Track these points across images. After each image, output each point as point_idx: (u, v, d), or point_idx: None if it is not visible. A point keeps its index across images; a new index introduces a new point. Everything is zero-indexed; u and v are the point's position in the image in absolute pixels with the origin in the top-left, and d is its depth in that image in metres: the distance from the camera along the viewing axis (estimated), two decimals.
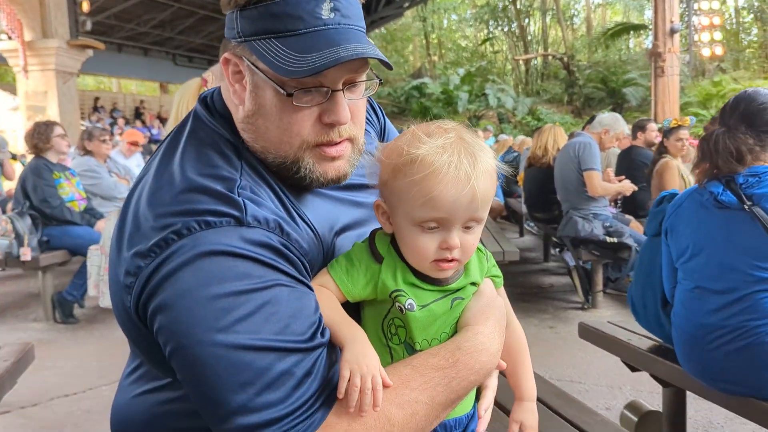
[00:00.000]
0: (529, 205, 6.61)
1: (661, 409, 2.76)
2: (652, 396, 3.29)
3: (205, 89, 2.41)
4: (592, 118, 5.89)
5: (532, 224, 8.61)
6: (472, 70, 28.51)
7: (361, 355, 0.95)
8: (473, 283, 1.12)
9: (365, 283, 1.05)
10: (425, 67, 33.02)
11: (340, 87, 1.02)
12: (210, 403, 0.92)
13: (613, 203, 5.96)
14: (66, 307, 5.13)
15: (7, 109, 12.94)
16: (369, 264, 1.06)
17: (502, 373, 1.23)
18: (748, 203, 2.06)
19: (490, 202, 1.05)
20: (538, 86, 29.61)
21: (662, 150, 5.28)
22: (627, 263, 5.00)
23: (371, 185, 1.12)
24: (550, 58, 30.48)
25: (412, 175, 1.00)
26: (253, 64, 1.02)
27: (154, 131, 19.28)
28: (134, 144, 7.57)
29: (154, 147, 6.17)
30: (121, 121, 19.66)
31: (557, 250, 6.92)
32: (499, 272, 1.20)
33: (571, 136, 5.94)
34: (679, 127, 5.18)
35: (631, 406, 2.93)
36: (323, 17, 0.98)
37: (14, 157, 7.91)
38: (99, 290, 4.33)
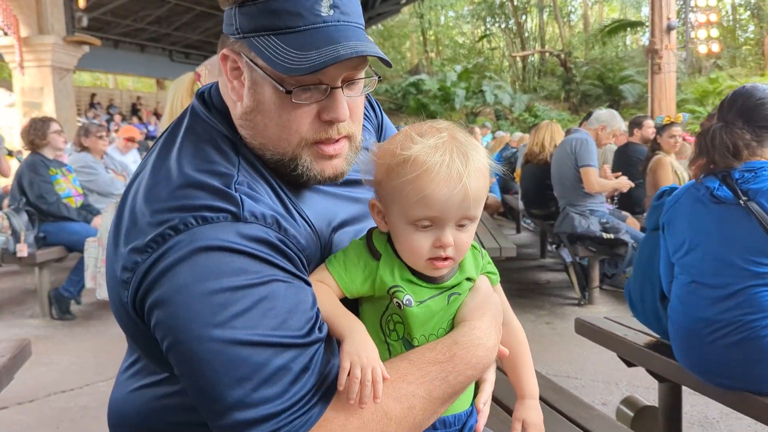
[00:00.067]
0: (526, 201, 6.62)
1: (656, 404, 2.77)
2: (648, 391, 3.31)
3: (198, 83, 2.41)
4: (589, 115, 5.89)
5: (528, 221, 8.63)
6: (469, 67, 28.44)
7: (361, 346, 0.95)
8: (469, 279, 1.12)
9: (363, 279, 1.06)
10: (422, 63, 32.95)
11: (339, 84, 1.02)
12: (207, 398, 0.92)
13: (609, 200, 5.97)
14: (63, 304, 5.12)
15: (3, 106, 12.89)
16: (367, 260, 1.07)
17: (502, 372, 1.24)
18: (744, 198, 2.07)
19: (482, 200, 1.05)
20: (535, 83, 29.57)
21: (655, 147, 5.29)
22: (623, 259, 5.02)
23: (366, 182, 1.13)
24: (547, 54, 30.44)
25: (405, 175, 1.01)
26: (251, 60, 1.01)
27: (151, 127, 19.23)
28: (131, 140, 7.57)
29: (150, 143, 6.16)
30: (117, 118, 19.61)
31: (554, 246, 6.94)
32: (494, 269, 1.21)
33: (567, 132, 5.94)
34: (672, 123, 5.19)
35: (627, 401, 2.94)
36: (322, 14, 0.98)
37: (10, 153, 7.87)
38: (96, 282, 4.32)
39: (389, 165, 1.04)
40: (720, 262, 2.11)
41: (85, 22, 11.78)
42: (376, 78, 1.10)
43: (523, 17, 32.68)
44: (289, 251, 0.99)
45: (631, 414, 2.85)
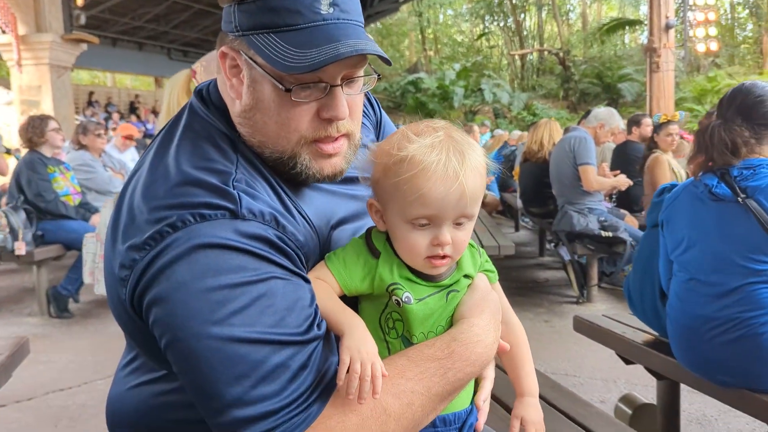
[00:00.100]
0: (524, 199, 6.62)
1: (655, 402, 2.78)
2: (646, 389, 3.31)
3: (194, 80, 2.41)
4: (588, 113, 5.89)
5: (527, 219, 8.63)
6: (467, 66, 28.44)
7: (361, 342, 0.95)
8: (467, 276, 1.12)
9: (363, 276, 1.06)
10: (421, 62, 32.91)
11: (339, 82, 1.02)
12: (205, 396, 0.92)
13: (608, 198, 5.98)
14: (61, 302, 5.12)
15: (1, 104, 12.86)
16: (366, 258, 1.07)
17: (502, 369, 1.24)
18: (743, 196, 2.07)
19: (479, 198, 1.06)
20: (534, 81, 29.56)
21: (652, 145, 5.30)
22: (622, 257, 5.02)
23: (364, 181, 1.13)
24: (545, 53, 30.43)
25: (402, 174, 1.01)
26: (251, 58, 1.01)
27: (149, 125, 19.23)
28: (129, 138, 7.56)
29: (148, 141, 6.15)
30: (115, 116, 19.60)
31: (552, 244, 6.94)
32: (492, 267, 1.21)
33: (566, 130, 5.95)
34: (669, 122, 5.20)
35: (626, 399, 2.94)
36: (322, 12, 0.98)
37: (8, 151, 7.85)
38: (94, 278, 4.33)
39: (386, 164, 1.04)
40: (718, 259, 2.11)
41: (83, 20, 11.76)
42: (376, 76, 1.10)
43: (522, 15, 32.66)
44: (288, 248, 0.99)
45: (630, 411, 2.85)
